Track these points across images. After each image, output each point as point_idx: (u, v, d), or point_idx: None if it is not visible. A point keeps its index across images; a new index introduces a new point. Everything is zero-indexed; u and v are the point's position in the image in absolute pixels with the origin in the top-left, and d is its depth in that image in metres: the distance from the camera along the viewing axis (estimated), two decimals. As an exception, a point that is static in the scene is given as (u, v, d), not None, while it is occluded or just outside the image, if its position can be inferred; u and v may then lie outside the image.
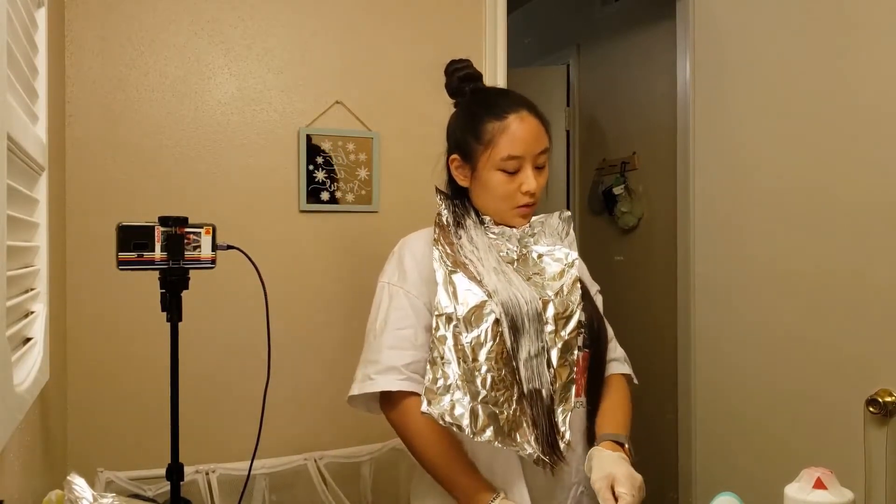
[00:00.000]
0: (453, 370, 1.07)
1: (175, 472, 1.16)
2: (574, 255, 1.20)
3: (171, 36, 1.83)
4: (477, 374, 1.07)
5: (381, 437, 1.95)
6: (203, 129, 1.87)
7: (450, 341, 1.09)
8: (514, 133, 1.15)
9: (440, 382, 1.07)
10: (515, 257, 1.20)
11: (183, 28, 1.84)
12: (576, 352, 1.14)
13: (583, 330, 1.18)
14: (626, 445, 1.13)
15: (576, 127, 3.40)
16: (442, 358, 1.08)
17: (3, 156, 0.74)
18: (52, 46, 1.40)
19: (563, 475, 1.15)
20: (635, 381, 1.32)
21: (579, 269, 1.29)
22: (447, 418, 1.05)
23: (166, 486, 1.23)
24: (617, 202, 2.98)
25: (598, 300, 1.31)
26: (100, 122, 1.76)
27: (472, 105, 1.23)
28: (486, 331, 1.09)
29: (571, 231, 1.25)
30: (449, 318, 1.10)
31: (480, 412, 1.06)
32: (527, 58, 3.78)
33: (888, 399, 1.44)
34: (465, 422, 1.05)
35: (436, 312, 1.11)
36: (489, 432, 1.06)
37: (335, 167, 1.98)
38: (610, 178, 3.06)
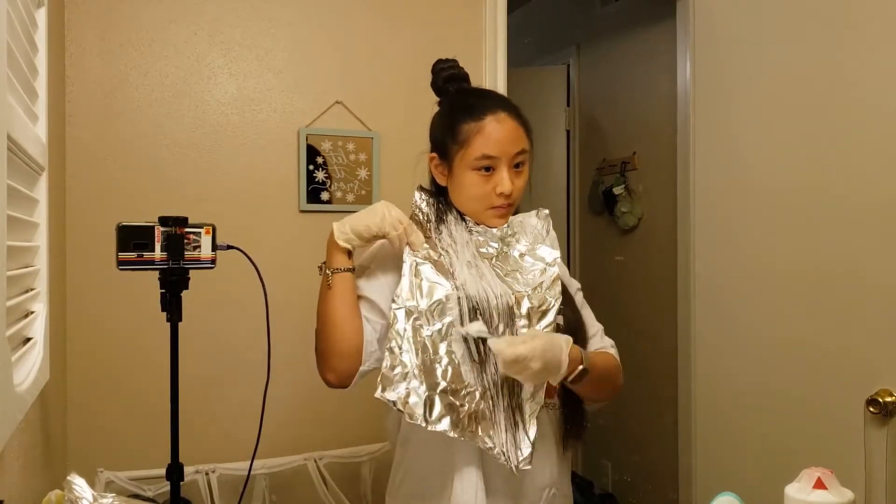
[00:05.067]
0: (410, 359, 1.07)
1: (175, 472, 1.16)
2: (556, 253, 1.20)
3: (171, 36, 1.83)
4: (437, 364, 1.07)
5: (380, 437, 1.95)
6: (203, 129, 1.87)
7: (409, 333, 1.08)
8: (490, 133, 1.16)
9: (397, 370, 1.07)
10: (495, 253, 1.20)
11: (183, 28, 1.84)
12: None
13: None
14: (585, 359, 1.09)
15: (576, 127, 3.40)
16: (399, 348, 1.08)
17: (3, 156, 0.74)
18: (52, 46, 1.40)
19: (533, 475, 1.14)
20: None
21: (559, 268, 1.29)
22: (401, 406, 1.05)
23: (166, 486, 1.23)
24: (617, 202, 2.97)
25: (578, 298, 1.31)
26: (100, 122, 1.77)
27: (453, 105, 1.24)
28: (448, 325, 1.09)
29: (552, 230, 1.25)
30: (409, 312, 1.09)
31: (437, 402, 1.06)
32: (527, 58, 3.78)
33: (888, 399, 1.44)
34: (419, 411, 1.05)
35: (395, 305, 1.10)
36: (445, 422, 1.06)
37: (335, 167, 1.98)
38: (610, 178, 3.06)
